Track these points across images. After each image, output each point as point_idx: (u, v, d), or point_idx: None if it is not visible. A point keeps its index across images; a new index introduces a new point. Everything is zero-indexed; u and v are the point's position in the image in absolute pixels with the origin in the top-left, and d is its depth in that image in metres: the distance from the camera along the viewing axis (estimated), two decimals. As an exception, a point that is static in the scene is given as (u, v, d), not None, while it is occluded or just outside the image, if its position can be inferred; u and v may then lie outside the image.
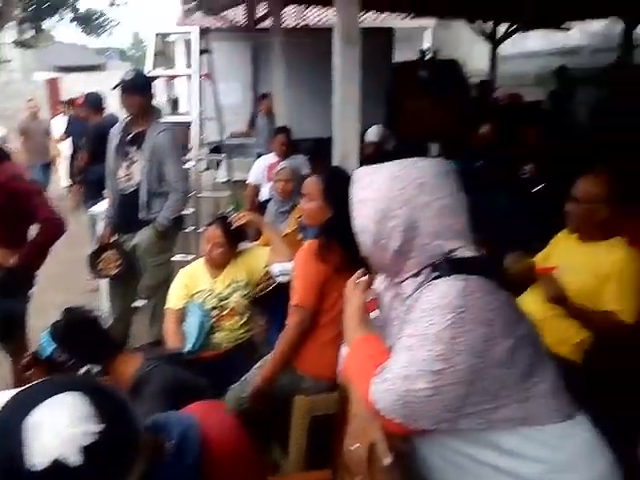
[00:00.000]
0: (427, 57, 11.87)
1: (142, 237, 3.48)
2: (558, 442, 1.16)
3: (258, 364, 2.47)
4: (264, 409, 2.38)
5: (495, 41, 11.27)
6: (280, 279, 2.70)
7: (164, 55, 5.42)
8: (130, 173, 3.49)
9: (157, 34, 4.94)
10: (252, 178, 5.01)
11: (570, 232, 2.53)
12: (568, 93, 9.67)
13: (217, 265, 2.82)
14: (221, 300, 2.78)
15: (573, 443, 1.17)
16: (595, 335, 2.35)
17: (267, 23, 7.59)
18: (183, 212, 3.77)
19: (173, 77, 6.43)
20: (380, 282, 1.39)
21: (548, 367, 1.21)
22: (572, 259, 2.43)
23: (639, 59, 8.70)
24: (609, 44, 9.94)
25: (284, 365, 2.33)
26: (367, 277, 1.35)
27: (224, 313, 2.78)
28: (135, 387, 1.63)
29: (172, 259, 3.77)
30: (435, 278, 1.16)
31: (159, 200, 3.47)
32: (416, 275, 1.21)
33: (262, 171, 4.91)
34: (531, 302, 2.45)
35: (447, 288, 1.12)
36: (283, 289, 2.48)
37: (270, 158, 4.96)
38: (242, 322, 2.82)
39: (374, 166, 1.28)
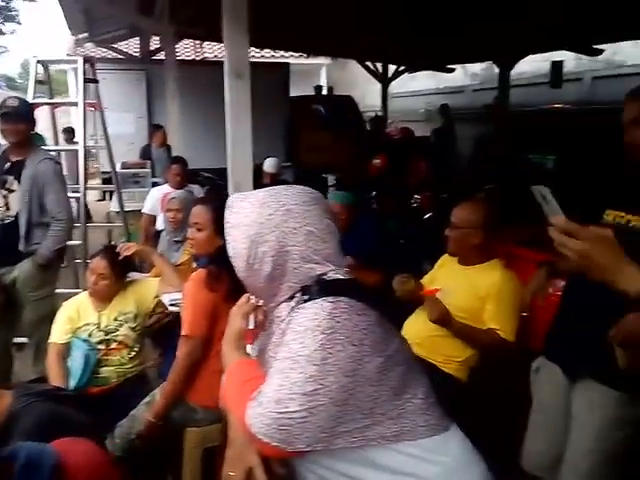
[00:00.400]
0: (323, 93, 12.31)
1: (21, 270, 3.29)
2: (431, 456, 1.19)
3: (146, 399, 2.39)
4: (157, 443, 2.30)
5: (386, 80, 11.88)
6: (171, 309, 2.65)
7: (49, 83, 5.20)
8: (8, 203, 3.30)
9: (38, 62, 4.75)
10: (147, 208, 4.93)
11: (450, 256, 2.69)
12: (449, 129, 10.39)
13: (102, 297, 2.72)
14: (108, 333, 2.67)
15: (447, 456, 1.21)
16: (480, 353, 2.49)
17: (162, 55, 7.58)
18: (68, 243, 3.61)
19: (57, 105, 6.21)
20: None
21: (421, 383, 1.24)
22: (454, 281, 2.57)
23: (514, 98, 9.49)
24: (489, 84, 10.80)
25: (176, 398, 2.27)
26: (251, 302, 1.36)
27: (112, 347, 2.68)
28: (7, 424, 1.56)
29: (58, 292, 3.58)
30: (306, 301, 1.18)
31: (40, 231, 3.29)
32: (290, 299, 1.24)
33: (157, 201, 4.83)
34: (418, 322, 2.56)
35: (317, 310, 1.14)
36: (178, 320, 2.43)
37: (164, 188, 4.90)
38: (131, 356, 2.72)
39: (245, 193, 1.31)
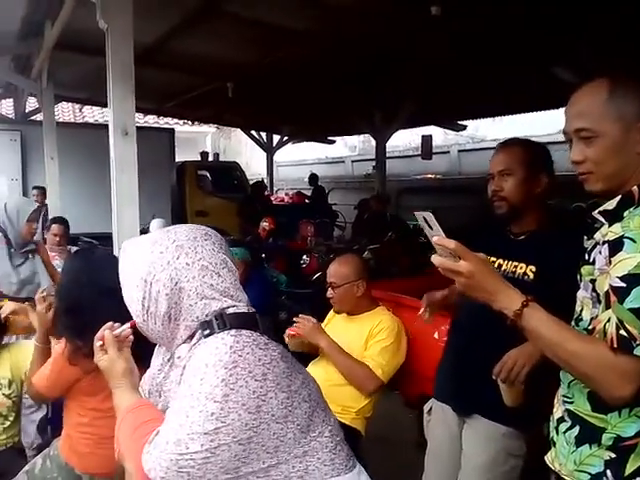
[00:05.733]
0: (209, 159, 12.47)
1: None
2: None
3: (26, 467, 2.18)
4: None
5: (271, 149, 12.25)
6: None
7: None
8: None
9: None
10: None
11: (336, 313, 2.71)
12: (320, 196, 10.91)
13: (-26, 361, 2.47)
14: (-22, 402, 2.42)
15: None
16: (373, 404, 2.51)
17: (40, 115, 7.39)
18: None
19: None
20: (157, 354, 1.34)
21: (327, 421, 1.20)
22: (343, 332, 2.59)
23: (391, 169, 10.03)
24: (368, 155, 11.43)
25: None
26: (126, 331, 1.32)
27: (-18, 416, 2.42)
28: None
29: None
30: (207, 336, 1.14)
31: None
32: (190, 338, 1.19)
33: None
34: (315, 373, 2.55)
35: (218, 344, 1.10)
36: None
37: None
38: (5, 426, 2.46)
39: (138, 237, 1.29)
